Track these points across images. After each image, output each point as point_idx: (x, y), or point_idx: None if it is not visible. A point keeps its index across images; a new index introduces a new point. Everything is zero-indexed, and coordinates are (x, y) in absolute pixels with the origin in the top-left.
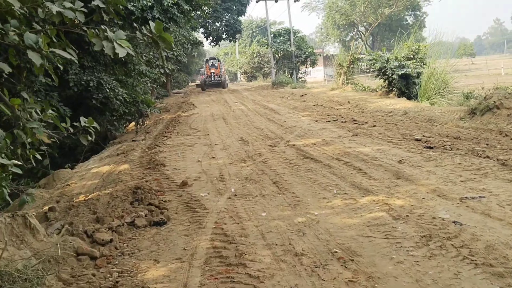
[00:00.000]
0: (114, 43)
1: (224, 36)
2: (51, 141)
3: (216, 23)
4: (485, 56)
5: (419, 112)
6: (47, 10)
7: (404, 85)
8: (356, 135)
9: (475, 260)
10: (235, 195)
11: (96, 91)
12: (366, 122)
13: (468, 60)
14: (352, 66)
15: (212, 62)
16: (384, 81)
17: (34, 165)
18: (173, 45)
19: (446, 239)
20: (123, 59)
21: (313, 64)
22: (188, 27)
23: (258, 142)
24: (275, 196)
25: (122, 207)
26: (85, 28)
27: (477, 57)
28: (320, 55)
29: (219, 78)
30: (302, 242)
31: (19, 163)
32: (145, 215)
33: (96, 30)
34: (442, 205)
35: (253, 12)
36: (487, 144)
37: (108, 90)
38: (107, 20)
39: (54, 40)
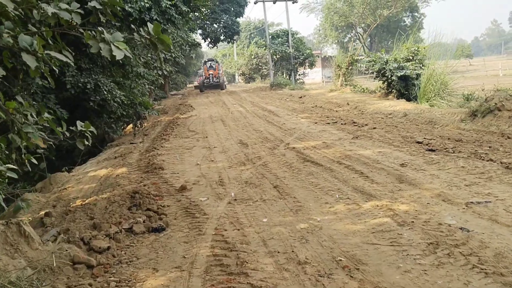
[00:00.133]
0: (111, 45)
1: (222, 37)
2: (47, 145)
3: (214, 25)
4: (483, 58)
5: (419, 114)
6: (42, 11)
7: (403, 86)
8: (357, 137)
9: (485, 269)
10: (235, 199)
11: (94, 93)
12: (366, 124)
13: (466, 61)
14: (350, 67)
15: (210, 64)
16: (383, 83)
17: (30, 169)
18: (171, 47)
19: (453, 246)
20: (121, 61)
21: (312, 65)
22: (186, 29)
23: (257, 144)
24: (276, 201)
25: (120, 212)
26: (81, 30)
27: (474, 59)
28: (318, 57)
29: (218, 80)
30: (305, 250)
31: (14, 167)
32: (143, 221)
33: (93, 32)
34: (448, 210)
35: (251, 14)
36: (489, 147)
37: (105, 92)
38: (104, 21)
39: (50, 42)
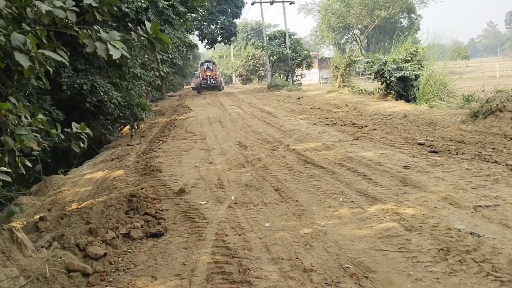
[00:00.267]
0: (108, 44)
1: (219, 38)
2: (42, 147)
3: (211, 26)
4: (480, 59)
5: (419, 115)
6: (36, 9)
7: (402, 87)
8: (357, 139)
9: (500, 277)
10: (236, 203)
11: (90, 94)
12: (366, 126)
13: (463, 63)
14: (348, 68)
15: (208, 65)
16: (381, 84)
17: (24, 172)
18: (170, 46)
19: (465, 252)
20: (118, 61)
21: (309, 66)
22: (183, 30)
23: (256, 146)
24: (277, 204)
25: (117, 217)
26: (77, 29)
27: (471, 60)
28: (316, 58)
29: (215, 81)
30: (311, 256)
31: (7, 170)
32: (141, 226)
33: (89, 30)
34: (456, 214)
35: (248, 15)
36: (493, 149)
37: (102, 94)
38: (100, 20)
39: (45, 41)
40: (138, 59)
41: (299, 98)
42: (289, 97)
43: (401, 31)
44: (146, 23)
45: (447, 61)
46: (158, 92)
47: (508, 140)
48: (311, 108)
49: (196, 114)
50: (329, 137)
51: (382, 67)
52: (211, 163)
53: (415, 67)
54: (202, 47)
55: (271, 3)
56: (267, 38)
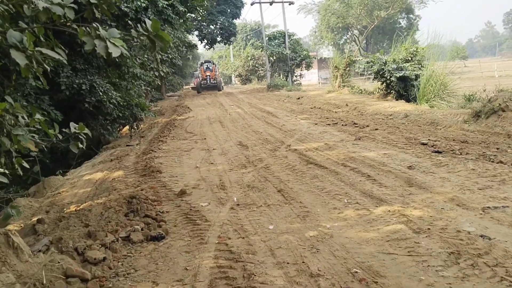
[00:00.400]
0: (107, 41)
1: (218, 39)
2: (40, 148)
3: (211, 26)
4: (478, 59)
5: (420, 115)
6: (33, 6)
7: (403, 87)
8: (359, 138)
9: None
10: (238, 204)
11: (89, 94)
12: (367, 126)
13: (461, 63)
14: (348, 68)
15: (207, 65)
16: (381, 84)
17: (21, 173)
18: (171, 44)
19: (476, 256)
20: (117, 60)
21: (308, 67)
22: (183, 30)
23: (257, 146)
24: (281, 206)
25: (116, 219)
26: (75, 26)
27: (469, 60)
28: (315, 58)
29: (215, 81)
30: (317, 261)
31: (3, 171)
32: (142, 229)
33: (87, 28)
34: (464, 216)
35: (248, 15)
36: (497, 148)
37: (101, 94)
38: (99, 17)
39: (42, 39)
40: (137, 59)
41: (299, 98)
42: (289, 97)
43: (400, 31)
44: (147, 20)
45: (447, 61)
46: (158, 92)
47: None
48: (312, 108)
49: (196, 114)
50: (330, 137)
51: (382, 67)
52: (212, 163)
53: (415, 67)
54: (201, 48)
55: (271, 4)
56: (267, 38)
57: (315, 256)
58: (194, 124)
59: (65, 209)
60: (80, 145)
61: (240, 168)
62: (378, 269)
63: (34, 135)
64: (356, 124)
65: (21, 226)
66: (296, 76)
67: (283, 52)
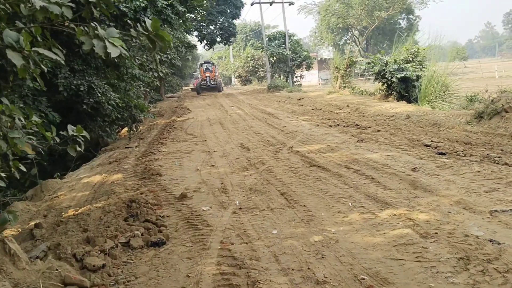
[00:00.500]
0: (106, 41)
1: (218, 39)
2: (37, 151)
3: (210, 26)
4: (478, 60)
5: (422, 116)
6: (30, 5)
7: (404, 88)
8: (362, 140)
9: None
10: (240, 208)
11: (87, 95)
12: (369, 127)
13: (461, 63)
14: (349, 69)
15: (207, 66)
16: (383, 85)
17: (18, 177)
18: (171, 44)
19: (486, 262)
20: (116, 60)
21: (309, 67)
22: (182, 30)
23: (259, 148)
24: (284, 209)
25: (116, 224)
26: (73, 26)
27: (469, 61)
28: (315, 59)
29: (214, 82)
30: (323, 267)
31: (0, 174)
32: (142, 234)
33: (86, 27)
34: (472, 219)
35: (247, 16)
36: (501, 150)
37: (99, 95)
38: (98, 16)
39: (39, 39)
40: (136, 59)
41: (299, 99)
42: (290, 98)
43: (400, 32)
44: (146, 20)
45: (448, 62)
46: (157, 93)
47: None
48: (313, 109)
49: (196, 116)
50: (332, 138)
51: (384, 68)
52: (213, 166)
53: (416, 68)
54: (201, 48)
55: (271, 4)
56: (267, 39)
57: (320, 262)
58: (194, 125)
59: (63, 213)
60: (78, 148)
61: (242, 170)
62: (385, 276)
63: (31, 137)
64: (358, 125)
65: (18, 231)
66: (296, 77)
67: (283, 52)
